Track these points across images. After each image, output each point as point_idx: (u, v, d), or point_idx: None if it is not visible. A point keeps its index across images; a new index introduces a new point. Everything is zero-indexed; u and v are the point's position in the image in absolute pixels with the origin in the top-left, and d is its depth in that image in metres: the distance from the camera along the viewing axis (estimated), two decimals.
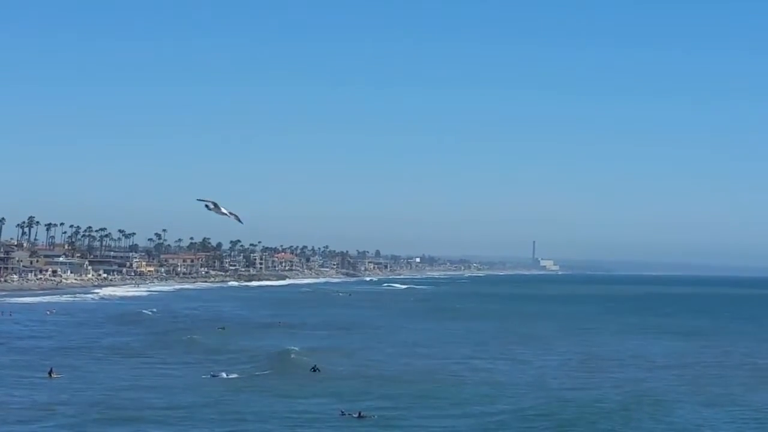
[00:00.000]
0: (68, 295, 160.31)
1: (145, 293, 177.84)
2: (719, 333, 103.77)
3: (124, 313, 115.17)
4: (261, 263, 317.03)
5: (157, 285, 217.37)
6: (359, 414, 45.30)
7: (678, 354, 78.48)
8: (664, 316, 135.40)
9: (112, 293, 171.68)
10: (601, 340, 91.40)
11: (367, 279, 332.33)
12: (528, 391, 54.79)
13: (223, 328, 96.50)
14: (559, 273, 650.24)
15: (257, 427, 43.19)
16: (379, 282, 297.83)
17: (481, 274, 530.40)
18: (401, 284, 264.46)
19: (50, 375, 57.53)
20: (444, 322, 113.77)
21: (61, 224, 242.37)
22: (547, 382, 59.13)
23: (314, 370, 61.38)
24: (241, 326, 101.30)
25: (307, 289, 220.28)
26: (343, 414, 45.56)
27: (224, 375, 59.69)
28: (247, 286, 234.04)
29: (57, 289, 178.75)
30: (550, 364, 69.72)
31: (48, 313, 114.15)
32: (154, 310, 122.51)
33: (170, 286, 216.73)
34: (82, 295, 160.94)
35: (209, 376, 59.18)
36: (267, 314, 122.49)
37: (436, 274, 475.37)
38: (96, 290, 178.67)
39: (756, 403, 51.82)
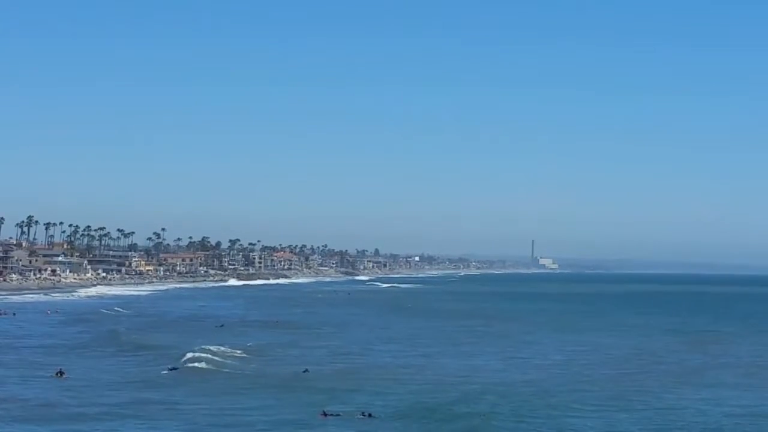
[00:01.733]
0: (57, 293, 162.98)
1: (134, 292, 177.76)
2: (698, 331, 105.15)
3: (92, 312, 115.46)
4: (260, 262, 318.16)
5: (156, 284, 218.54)
6: (367, 414, 46.13)
7: (636, 352, 79.61)
8: (647, 314, 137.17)
9: (99, 292, 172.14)
10: (557, 337, 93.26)
11: (357, 278, 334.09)
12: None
13: (222, 326, 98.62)
14: (558, 271, 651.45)
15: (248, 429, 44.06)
16: (365, 281, 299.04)
17: (476, 272, 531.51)
18: (384, 283, 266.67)
19: (59, 375, 58.47)
20: (402, 319, 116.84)
21: (60, 223, 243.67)
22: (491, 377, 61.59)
23: (305, 372, 62.29)
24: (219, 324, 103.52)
25: (293, 288, 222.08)
26: (325, 414, 46.50)
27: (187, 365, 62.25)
28: (226, 285, 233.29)
29: (52, 288, 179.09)
30: (494, 361, 71.63)
31: (48, 312, 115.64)
32: (120, 309, 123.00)
33: (165, 285, 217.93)
34: (69, 294, 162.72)
35: (168, 370, 61.30)
36: (242, 313, 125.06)
37: (434, 272, 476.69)
38: (80, 289, 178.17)
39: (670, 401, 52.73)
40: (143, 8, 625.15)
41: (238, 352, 73.04)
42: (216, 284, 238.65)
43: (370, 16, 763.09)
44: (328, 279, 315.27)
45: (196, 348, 71.46)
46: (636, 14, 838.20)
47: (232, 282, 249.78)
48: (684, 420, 46.91)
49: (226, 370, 63.05)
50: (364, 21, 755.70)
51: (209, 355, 68.33)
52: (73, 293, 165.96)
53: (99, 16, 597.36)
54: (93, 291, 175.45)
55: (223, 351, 72.61)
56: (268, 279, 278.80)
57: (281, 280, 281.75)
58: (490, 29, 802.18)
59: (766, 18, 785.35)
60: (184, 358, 66.18)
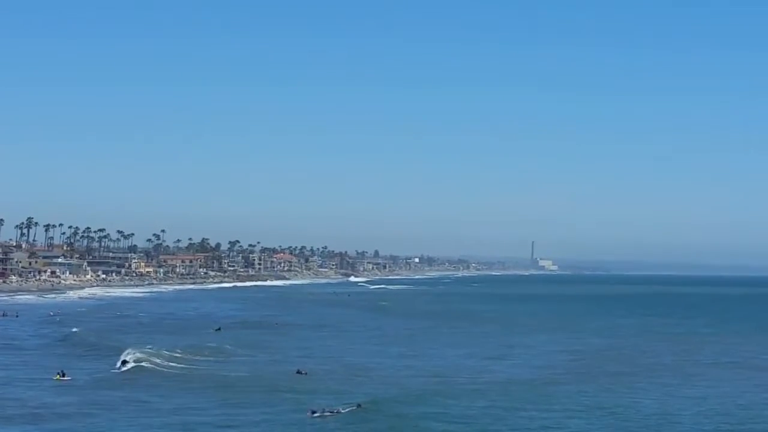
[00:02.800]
0: (52, 294, 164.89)
1: (131, 293, 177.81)
2: (692, 333, 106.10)
3: (83, 314, 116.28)
4: (260, 264, 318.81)
5: (155, 286, 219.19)
6: (356, 405, 48.26)
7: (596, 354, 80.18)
8: (642, 315, 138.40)
9: (91, 293, 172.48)
10: (515, 339, 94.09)
11: (350, 279, 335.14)
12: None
13: (219, 329, 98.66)
14: (557, 273, 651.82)
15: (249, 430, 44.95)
16: (356, 283, 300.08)
17: (473, 274, 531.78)
18: (374, 285, 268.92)
19: (60, 376, 59.40)
20: (375, 321, 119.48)
21: (60, 225, 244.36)
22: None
23: (299, 373, 63.01)
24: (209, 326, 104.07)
25: (288, 290, 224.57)
26: (314, 414, 47.13)
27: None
28: (221, 287, 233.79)
29: (50, 290, 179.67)
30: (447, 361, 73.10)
31: (51, 314, 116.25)
32: (110, 311, 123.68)
33: (165, 286, 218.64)
34: (62, 295, 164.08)
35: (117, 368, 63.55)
36: (240, 314, 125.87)
37: (433, 274, 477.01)
38: (69, 291, 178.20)
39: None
40: (144, 8, 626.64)
41: (226, 353, 74.04)
42: (214, 286, 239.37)
43: (371, 18, 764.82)
44: (324, 280, 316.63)
45: (155, 348, 72.48)
46: (636, 14, 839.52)
47: (225, 284, 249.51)
48: (673, 420, 47.95)
49: (219, 372, 63.83)
50: (366, 22, 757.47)
51: (155, 358, 68.55)
52: (65, 294, 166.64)
53: (100, 15, 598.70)
54: (85, 292, 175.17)
55: (208, 352, 73.83)
56: (266, 280, 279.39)
57: (278, 282, 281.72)
58: (490, 30, 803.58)
59: (766, 17, 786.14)
60: (129, 356, 67.15)
